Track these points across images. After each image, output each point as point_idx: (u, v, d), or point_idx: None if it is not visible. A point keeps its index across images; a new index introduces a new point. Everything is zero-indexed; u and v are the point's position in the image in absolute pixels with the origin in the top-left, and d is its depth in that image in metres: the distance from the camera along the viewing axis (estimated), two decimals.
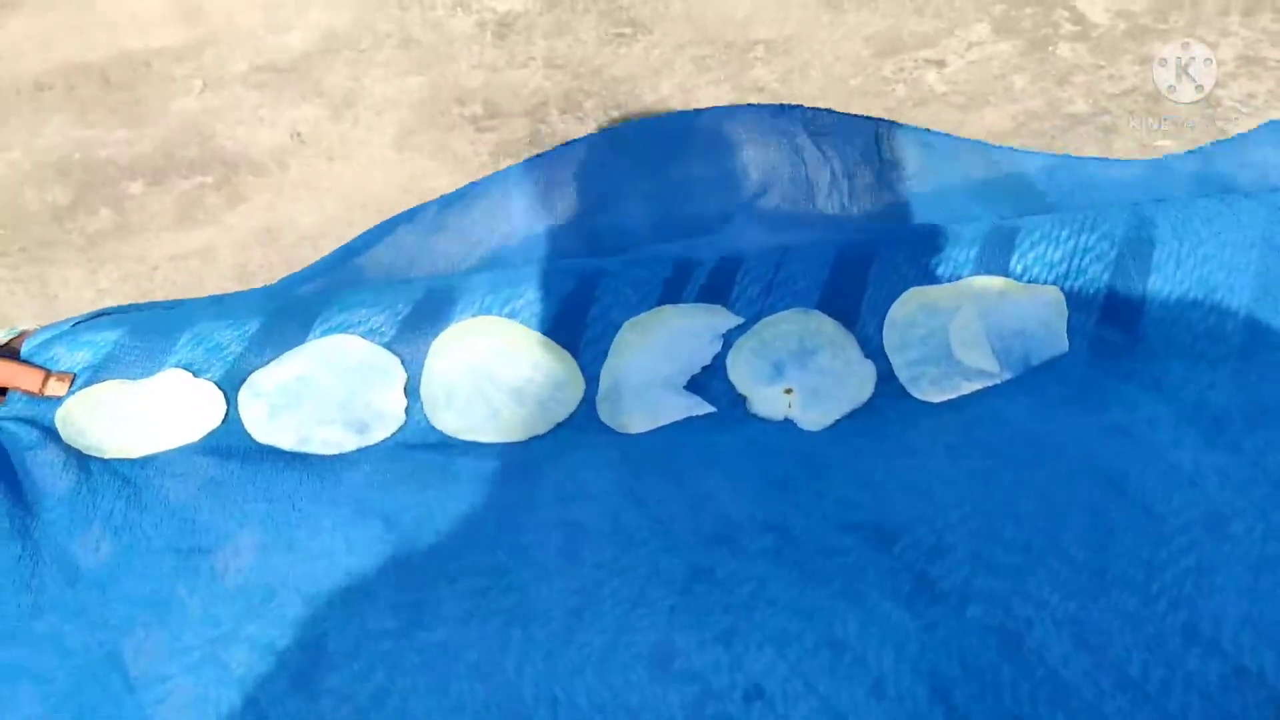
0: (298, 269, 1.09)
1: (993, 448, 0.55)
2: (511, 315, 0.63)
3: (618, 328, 0.62)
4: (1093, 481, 0.53)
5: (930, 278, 0.62)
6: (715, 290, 0.63)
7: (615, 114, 1.05)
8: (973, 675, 0.47)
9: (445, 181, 1.10)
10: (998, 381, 0.58)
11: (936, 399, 0.59)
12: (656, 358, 0.61)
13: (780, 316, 0.62)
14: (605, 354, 0.62)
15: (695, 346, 0.61)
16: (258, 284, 1.07)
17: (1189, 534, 0.50)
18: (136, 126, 1.20)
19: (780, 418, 0.59)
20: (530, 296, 0.62)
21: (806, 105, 0.74)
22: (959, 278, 0.62)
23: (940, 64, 0.91)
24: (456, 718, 0.49)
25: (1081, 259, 0.61)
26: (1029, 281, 0.61)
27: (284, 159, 1.13)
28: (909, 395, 0.59)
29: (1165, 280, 0.59)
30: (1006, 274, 0.62)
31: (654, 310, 0.62)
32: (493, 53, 1.15)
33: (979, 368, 0.59)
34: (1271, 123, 0.72)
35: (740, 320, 0.62)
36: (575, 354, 0.62)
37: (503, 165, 1.09)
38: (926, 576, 0.50)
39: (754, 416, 0.59)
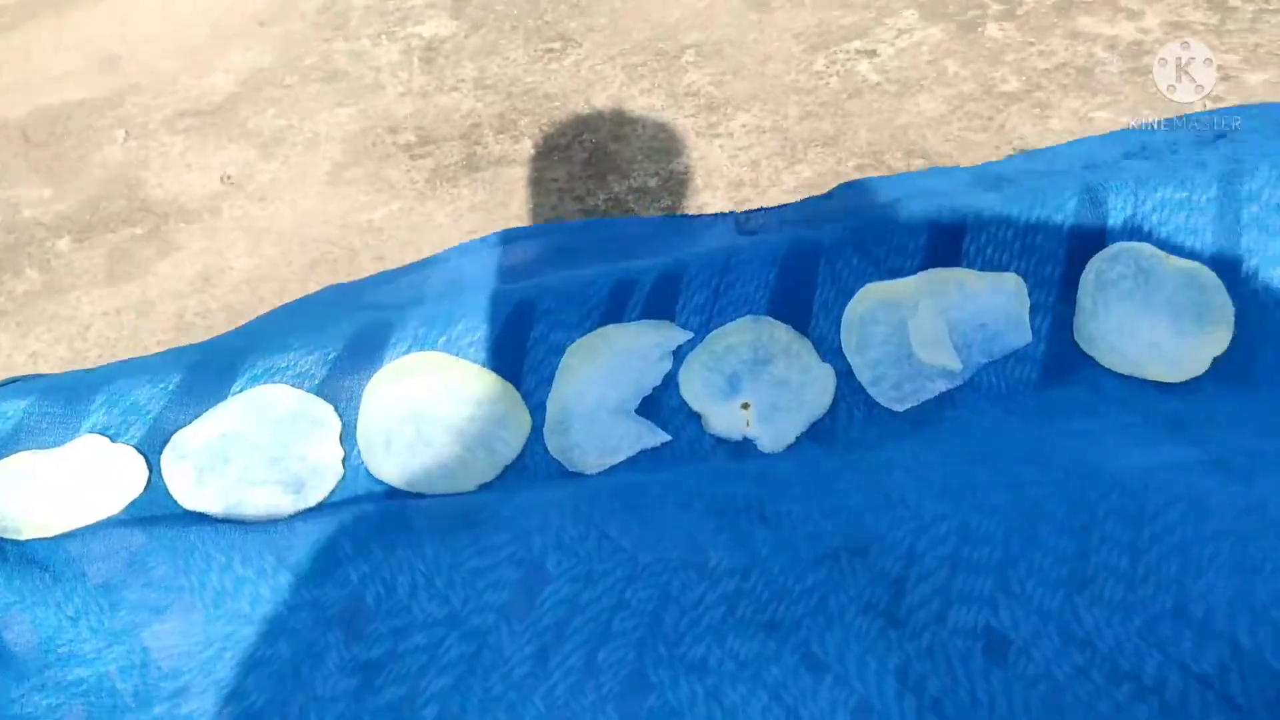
0: (238, 315, 1.06)
1: (964, 445, 0.53)
2: (448, 347, 0.60)
3: (561, 352, 0.60)
4: (1068, 466, 0.50)
5: (883, 270, 0.60)
6: (659, 304, 0.61)
7: (550, 131, 1.04)
8: (962, 684, 0.45)
9: (382, 213, 1.09)
10: (960, 382, 0.56)
11: (900, 408, 0.56)
12: (604, 382, 0.58)
13: (730, 328, 0.59)
14: (549, 381, 0.59)
15: (644, 367, 0.59)
16: (197, 334, 1.05)
17: (1172, 511, 0.48)
18: (59, 183, 1.17)
19: (738, 435, 0.57)
20: (465, 326, 0.60)
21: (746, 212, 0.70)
22: (913, 269, 0.60)
23: (871, 54, 0.92)
24: None
25: (1036, 236, 0.59)
26: (984, 266, 0.59)
27: (215, 204, 1.10)
28: (873, 403, 0.56)
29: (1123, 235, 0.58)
30: (959, 259, 0.60)
31: (597, 331, 0.60)
32: (421, 79, 1.14)
33: (941, 366, 0.57)
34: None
35: (689, 335, 0.60)
36: (518, 384, 0.59)
37: (439, 191, 1.08)
38: (904, 583, 0.48)
39: (711, 436, 0.57)
